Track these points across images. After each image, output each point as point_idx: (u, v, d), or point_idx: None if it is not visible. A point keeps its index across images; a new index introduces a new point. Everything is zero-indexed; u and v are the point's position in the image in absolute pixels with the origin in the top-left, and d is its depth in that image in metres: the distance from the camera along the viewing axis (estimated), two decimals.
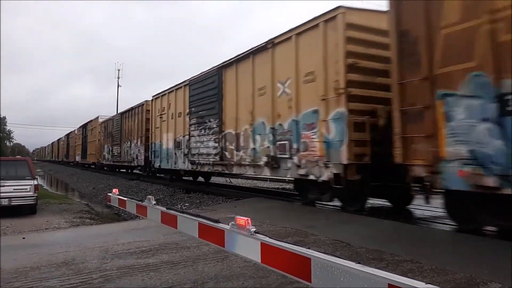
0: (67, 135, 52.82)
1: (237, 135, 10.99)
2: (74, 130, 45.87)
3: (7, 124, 79.92)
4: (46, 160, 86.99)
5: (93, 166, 35.95)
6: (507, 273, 3.73)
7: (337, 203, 8.80)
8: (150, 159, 18.59)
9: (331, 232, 5.84)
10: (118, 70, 51.54)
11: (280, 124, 9.22)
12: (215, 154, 12.12)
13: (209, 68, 12.83)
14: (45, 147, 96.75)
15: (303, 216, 7.59)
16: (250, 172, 10.71)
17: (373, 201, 9.05)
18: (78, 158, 42.64)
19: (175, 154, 15.54)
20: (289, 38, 9.07)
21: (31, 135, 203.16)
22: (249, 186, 16.25)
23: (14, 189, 10.87)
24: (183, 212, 3.29)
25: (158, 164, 17.49)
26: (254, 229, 2.25)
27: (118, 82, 50.92)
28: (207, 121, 12.70)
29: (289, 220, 6.89)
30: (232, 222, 2.41)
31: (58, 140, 65.73)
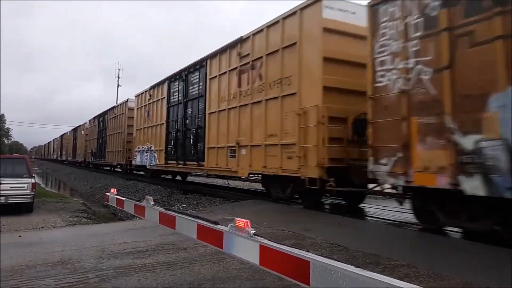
0: (100, 116, 30.49)
1: None
2: (124, 102, 23.65)
3: (5, 122, 79.58)
4: (50, 159, 69.41)
5: None
6: (504, 278, 3.74)
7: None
8: None
9: (328, 235, 5.84)
10: (119, 69, 51.00)
11: None
12: None
13: None
14: (49, 142, 77.90)
15: (300, 218, 7.59)
16: None
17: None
18: (146, 160, 18.15)
19: None
20: None
21: (33, 133, 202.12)
22: (246, 189, 16.23)
23: (11, 187, 10.84)
24: (181, 213, 3.28)
25: None
26: (253, 231, 2.25)
27: (118, 82, 50.50)
28: None
29: (286, 223, 6.89)
30: (231, 224, 2.41)
31: (75, 129, 42.79)
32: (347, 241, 5.44)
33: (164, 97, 16.37)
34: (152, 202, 3.81)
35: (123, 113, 23.65)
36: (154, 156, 17.20)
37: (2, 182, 10.67)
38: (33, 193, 11.35)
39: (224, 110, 11.72)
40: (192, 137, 13.74)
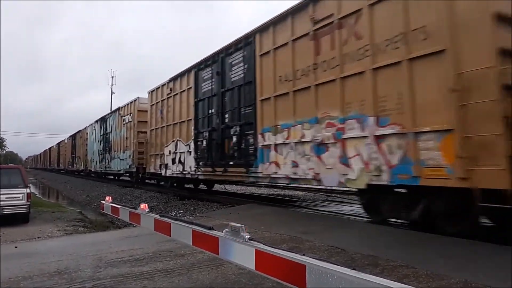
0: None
1: None
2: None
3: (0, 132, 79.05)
4: (47, 169, 62.60)
5: None
6: (503, 277, 3.73)
7: None
8: None
9: (326, 237, 5.82)
10: (112, 77, 50.93)
11: None
12: None
13: None
14: (44, 151, 72.90)
15: (298, 222, 7.57)
16: None
17: None
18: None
19: None
20: None
21: (29, 142, 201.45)
22: (243, 193, 16.20)
23: (6, 198, 10.76)
24: (176, 220, 3.26)
25: None
26: (248, 236, 2.24)
27: (111, 89, 50.40)
28: None
29: (283, 226, 6.87)
30: (226, 229, 2.39)
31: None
32: (345, 242, 5.42)
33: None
34: (147, 209, 3.79)
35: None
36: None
37: None
38: (28, 203, 11.27)
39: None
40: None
